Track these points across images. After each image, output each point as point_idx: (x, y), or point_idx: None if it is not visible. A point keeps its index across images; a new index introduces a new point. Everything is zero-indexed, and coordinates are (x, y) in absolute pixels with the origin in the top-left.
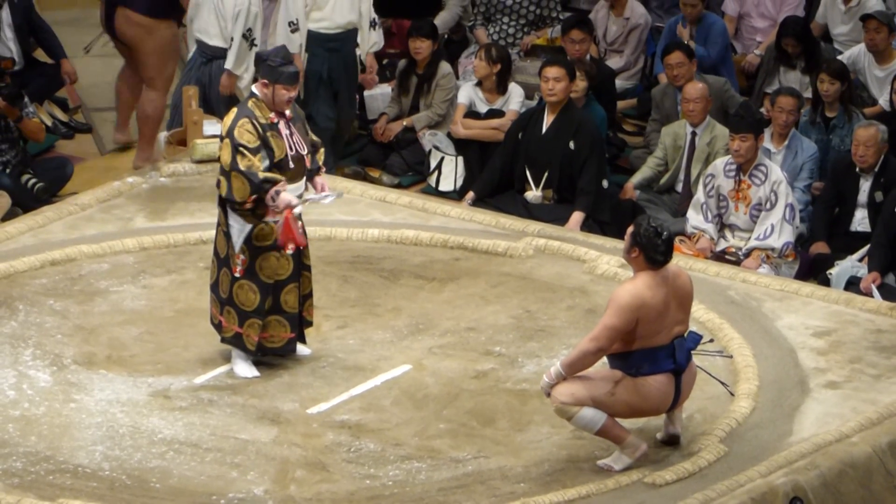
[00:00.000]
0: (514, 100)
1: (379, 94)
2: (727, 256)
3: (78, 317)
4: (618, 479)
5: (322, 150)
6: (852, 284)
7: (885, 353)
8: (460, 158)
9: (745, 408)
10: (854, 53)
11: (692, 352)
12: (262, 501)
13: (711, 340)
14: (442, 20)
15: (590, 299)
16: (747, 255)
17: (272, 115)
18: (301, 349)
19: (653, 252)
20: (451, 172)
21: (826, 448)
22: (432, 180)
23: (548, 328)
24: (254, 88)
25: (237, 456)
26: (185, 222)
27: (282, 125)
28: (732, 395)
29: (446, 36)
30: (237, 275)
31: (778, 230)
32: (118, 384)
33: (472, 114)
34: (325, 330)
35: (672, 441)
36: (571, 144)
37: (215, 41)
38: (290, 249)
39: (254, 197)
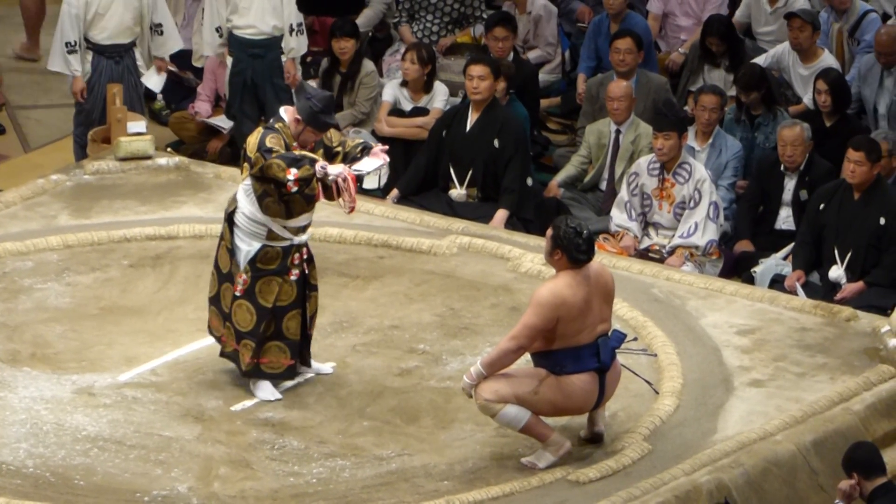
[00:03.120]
0: (439, 98)
1: None
2: (651, 254)
3: (2, 314)
4: (541, 476)
5: (362, 144)
6: (777, 283)
7: (809, 351)
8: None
9: (669, 406)
10: (778, 52)
11: (616, 350)
12: (186, 499)
13: (636, 339)
14: (366, 18)
15: (513, 297)
16: (671, 253)
17: (294, 144)
18: (322, 367)
19: (575, 252)
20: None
21: (750, 446)
22: None
23: (472, 326)
24: (283, 113)
25: (161, 453)
26: (109, 220)
27: None
28: (657, 393)
29: (370, 34)
30: (237, 293)
31: (702, 228)
32: (42, 381)
33: (396, 112)
34: None
35: (596, 439)
36: (496, 142)
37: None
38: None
39: (294, 173)
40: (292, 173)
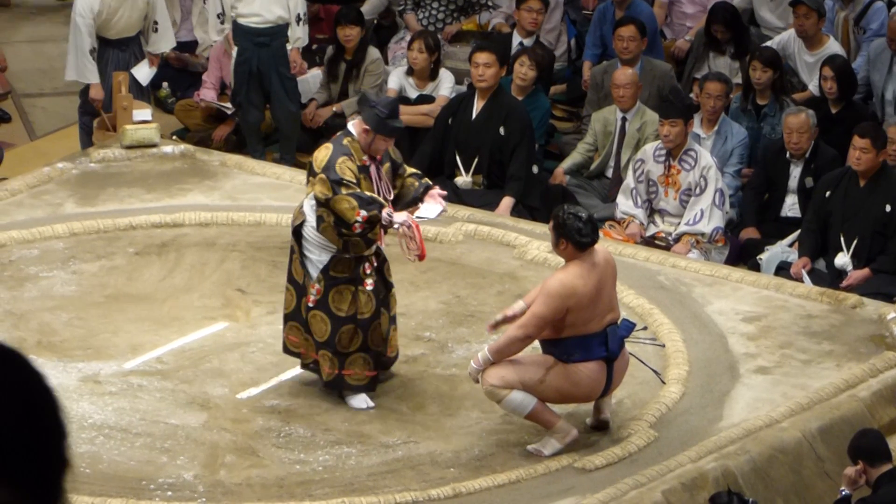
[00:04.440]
0: (445, 85)
1: (310, 78)
2: (657, 242)
3: (8, 302)
4: (548, 464)
5: (423, 178)
6: (782, 270)
7: (815, 338)
8: None
9: (675, 393)
10: (784, 39)
11: (625, 339)
12: (191, 486)
13: (645, 328)
14: (371, 5)
15: (519, 284)
16: (677, 240)
17: (365, 157)
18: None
19: (579, 237)
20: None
21: (756, 433)
22: None
23: (477, 313)
24: (351, 127)
25: (167, 441)
26: (114, 208)
27: (372, 170)
28: (663, 382)
29: (375, 21)
30: (310, 304)
31: (708, 215)
32: (48, 369)
33: (402, 99)
34: (254, 315)
35: (602, 426)
36: (501, 130)
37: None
38: (421, 259)
39: (363, 215)
40: (361, 215)
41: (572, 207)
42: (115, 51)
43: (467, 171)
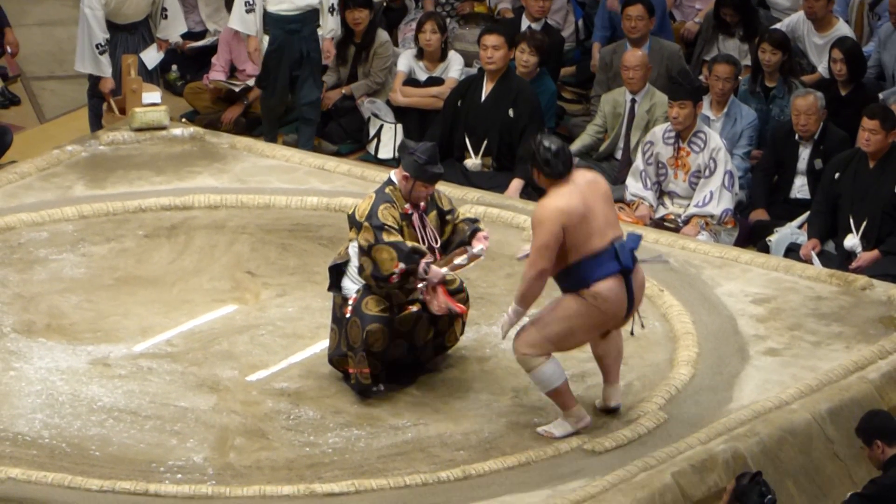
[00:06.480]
0: (454, 67)
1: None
2: (666, 223)
3: (17, 285)
4: (557, 445)
5: (476, 223)
6: (792, 251)
7: (824, 319)
8: (399, 126)
9: (684, 375)
10: (793, 21)
11: (634, 251)
12: (201, 469)
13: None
14: None
15: None
16: (686, 222)
17: (407, 206)
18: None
19: (550, 168)
20: (390, 140)
21: (766, 415)
22: (371, 148)
23: (487, 295)
24: (392, 176)
25: (176, 423)
26: (124, 190)
27: (415, 217)
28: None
29: (384, 4)
30: (347, 315)
31: (717, 197)
32: (58, 352)
33: (411, 81)
34: (264, 298)
35: (610, 413)
36: (511, 112)
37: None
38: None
39: (402, 267)
40: (399, 268)
41: (547, 138)
42: (123, 34)
43: (476, 154)
